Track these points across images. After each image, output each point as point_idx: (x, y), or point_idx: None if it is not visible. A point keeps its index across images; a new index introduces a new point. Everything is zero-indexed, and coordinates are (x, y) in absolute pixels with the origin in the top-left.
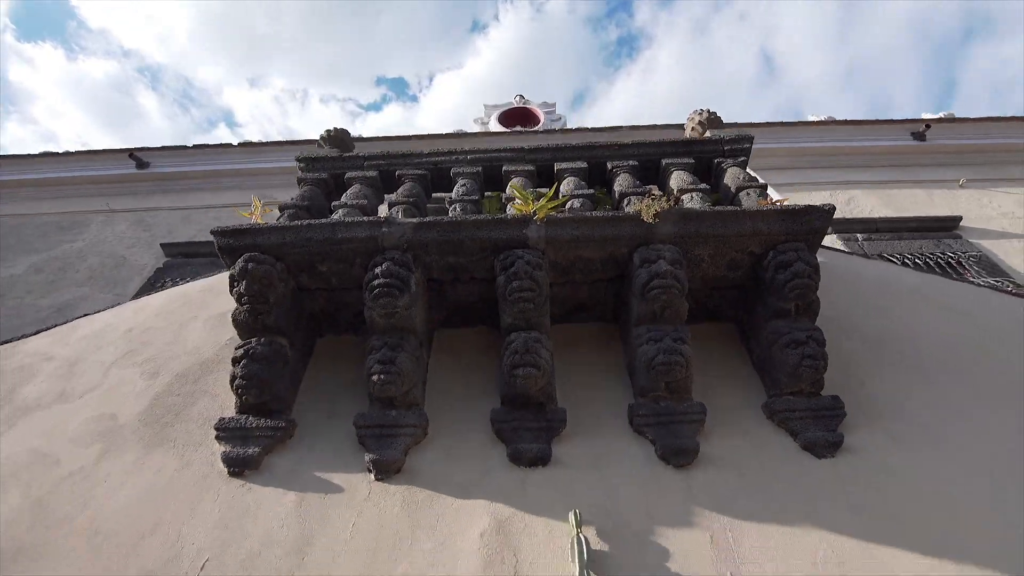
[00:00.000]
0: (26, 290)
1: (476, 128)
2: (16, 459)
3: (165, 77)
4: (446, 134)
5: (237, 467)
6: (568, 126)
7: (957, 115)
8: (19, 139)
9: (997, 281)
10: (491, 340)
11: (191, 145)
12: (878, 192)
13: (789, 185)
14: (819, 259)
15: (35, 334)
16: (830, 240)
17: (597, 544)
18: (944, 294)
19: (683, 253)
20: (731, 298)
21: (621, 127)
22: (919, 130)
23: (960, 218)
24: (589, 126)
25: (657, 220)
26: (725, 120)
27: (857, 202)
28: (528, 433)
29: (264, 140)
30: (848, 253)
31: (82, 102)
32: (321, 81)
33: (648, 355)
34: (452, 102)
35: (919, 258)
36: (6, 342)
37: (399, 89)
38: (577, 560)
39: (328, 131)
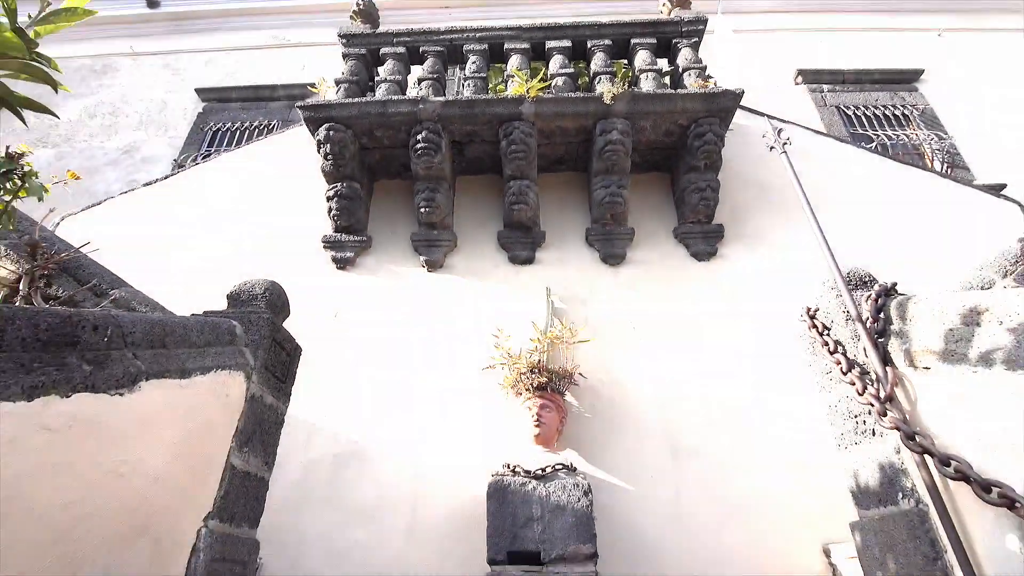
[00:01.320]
0: (89, 134)
1: None
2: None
3: None
4: None
5: (341, 264)
6: None
7: None
8: None
9: (928, 134)
10: (497, 184)
11: None
12: (860, 39)
13: (778, 31)
14: (747, 123)
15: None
16: (800, 90)
17: (559, 304)
18: (838, 156)
19: (631, 125)
20: (666, 156)
21: None
22: None
23: (922, 71)
24: None
25: (614, 100)
26: None
27: (836, 50)
28: (521, 245)
29: None
30: (771, 118)
31: None
32: None
33: (600, 196)
34: None
35: (870, 110)
36: (165, 178)
37: None
38: (547, 311)
39: (358, 5)
